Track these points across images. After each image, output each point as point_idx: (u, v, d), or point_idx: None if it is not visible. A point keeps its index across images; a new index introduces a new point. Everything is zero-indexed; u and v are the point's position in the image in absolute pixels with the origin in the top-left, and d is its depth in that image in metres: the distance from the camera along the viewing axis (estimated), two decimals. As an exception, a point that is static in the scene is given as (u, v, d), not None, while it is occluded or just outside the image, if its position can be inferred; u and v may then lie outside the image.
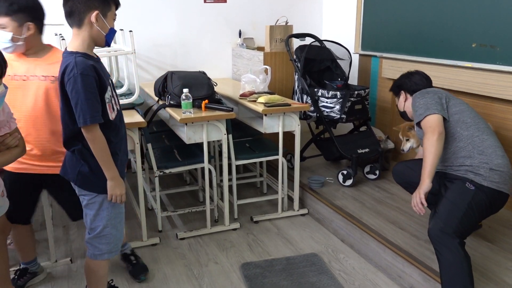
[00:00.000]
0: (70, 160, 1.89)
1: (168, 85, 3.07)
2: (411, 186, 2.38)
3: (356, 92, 3.37)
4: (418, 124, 2.29)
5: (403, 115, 2.59)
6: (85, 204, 1.91)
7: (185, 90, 2.75)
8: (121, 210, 1.98)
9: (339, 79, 3.63)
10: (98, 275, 2.04)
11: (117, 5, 1.86)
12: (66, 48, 1.83)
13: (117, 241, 1.99)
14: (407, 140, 2.87)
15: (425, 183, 2.14)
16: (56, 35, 3.53)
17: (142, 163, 3.01)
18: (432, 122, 2.19)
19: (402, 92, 2.54)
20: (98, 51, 3.37)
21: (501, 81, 2.80)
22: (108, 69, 4.01)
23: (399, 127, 2.94)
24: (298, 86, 3.54)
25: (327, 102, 3.37)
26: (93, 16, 1.74)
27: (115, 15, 1.85)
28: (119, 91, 3.28)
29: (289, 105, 3.04)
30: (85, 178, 1.85)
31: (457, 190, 2.18)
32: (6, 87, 1.63)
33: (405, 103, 2.53)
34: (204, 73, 3.25)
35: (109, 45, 1.84)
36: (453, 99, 2.34)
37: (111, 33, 1.83)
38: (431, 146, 2.14)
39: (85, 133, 1.75)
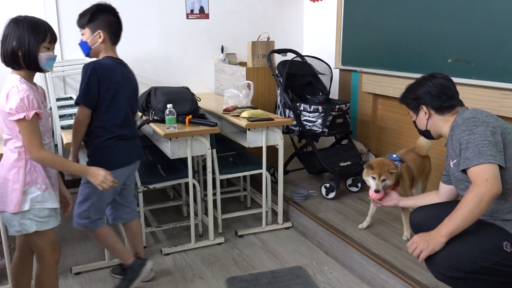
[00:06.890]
0: None
1: (152, 101, 3.09)
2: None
3: (337, 106, 3.43)
4: (464, 170, 1.78)
5: (426, 134, 2.04)
6: None
7: (169, 106, 2.77)
8: None
9: (321, 94, 3.70)
10: None
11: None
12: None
13: None
14: (383, 180, 2.41)
15: (440, 243, 1.73)
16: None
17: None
18: (488, 175, 1.67)
19: (423, 107, 1.97)
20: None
21: (476, 95, 2.90)
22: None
23: (377, 164, 2.45)
24: (280, 101, 3.59)
25: (309, 116, 3.43)
26: None
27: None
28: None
29: (272, 119, 3.08)
30: None
31: (489, 238, 1.76)
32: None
33: (428, 121, 1.98)
34: (187, 88, 3.28)
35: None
36: (509, 129, 1.81)
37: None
38: (476, 207, 1.66)
39: None
